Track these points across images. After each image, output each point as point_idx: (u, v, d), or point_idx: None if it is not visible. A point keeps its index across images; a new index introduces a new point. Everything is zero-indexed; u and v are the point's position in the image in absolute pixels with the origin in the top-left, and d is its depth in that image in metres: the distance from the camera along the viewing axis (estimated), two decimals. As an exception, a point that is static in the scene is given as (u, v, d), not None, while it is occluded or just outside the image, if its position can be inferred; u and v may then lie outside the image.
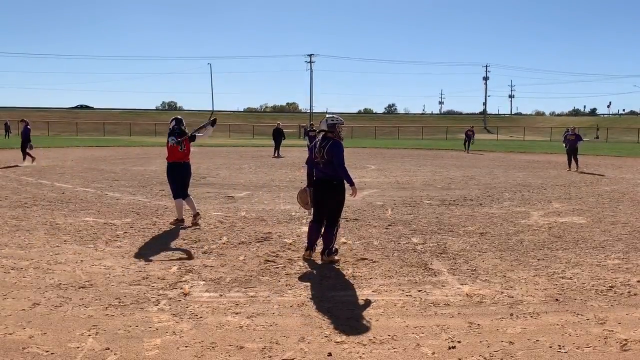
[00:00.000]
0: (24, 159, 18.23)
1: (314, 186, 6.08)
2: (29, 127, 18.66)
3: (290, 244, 6.88)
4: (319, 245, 6.17)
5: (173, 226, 7.96)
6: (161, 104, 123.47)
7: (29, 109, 78.33)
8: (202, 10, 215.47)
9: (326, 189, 5.98)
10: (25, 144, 18.19)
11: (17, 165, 17.59)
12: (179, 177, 8.14)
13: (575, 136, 18.99)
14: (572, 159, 18.73)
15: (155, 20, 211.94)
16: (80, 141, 40.23)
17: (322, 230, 6.12)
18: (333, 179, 5.96)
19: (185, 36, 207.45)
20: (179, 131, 8.09)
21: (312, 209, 6.23)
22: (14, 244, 6.67)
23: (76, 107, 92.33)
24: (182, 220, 8.16)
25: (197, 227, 7.89)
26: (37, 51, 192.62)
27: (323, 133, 6.08)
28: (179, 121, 8.23)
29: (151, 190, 11.96)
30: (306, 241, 6.28)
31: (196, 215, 8.15)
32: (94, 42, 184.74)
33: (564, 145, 19.70)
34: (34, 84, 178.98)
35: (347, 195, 6.13)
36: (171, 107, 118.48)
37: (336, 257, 6.06)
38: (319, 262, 6.00)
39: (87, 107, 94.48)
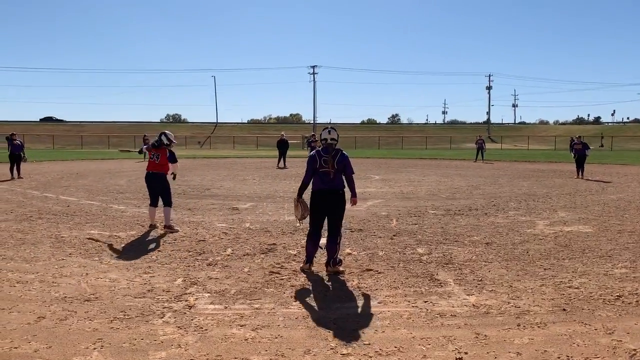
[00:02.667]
0: (19, 173, 18.25)
1: (318, 198, 6.04)
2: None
3: (295, 255, 6.86)
4: (317, 257, 6.16)
5: (149, 229, 8.64)
6: (166, 117, 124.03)
7: (32, 123, 78.84)
8: (205, 23, 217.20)
9: (335, 200, 5.99)
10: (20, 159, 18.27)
11: (20, 177, 17.67)
12: (152, 186, 8.77)
13: (581, 145, 19.15)
14: (580, 167, 18.91)
15: (160, 33, 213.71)
16: (85, 154, 40.41)
17: (325, 241, 6.11)
18: (340, 189, 6.00)
19: (189, 49, 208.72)
20: (158, 144, 8.75)
21: (308, 219, 6.23)
22: (19, 257, 6.68)
23: (44, 120, 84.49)
24: (155, 226, 8.77)
25: (170, 232, 8.36)
26: (40, 65, 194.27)
27: (324, 142, 6.07)
28: (162, 136, 8.85)
29: (156, 203, 11.97)
30: (305, 254, 6.26)
31: (167, 226, 8.56)
32: (99, 56, 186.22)
33: (572, 154, 19.82)
34: (38, 97, 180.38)
35: (348, 206, 6.16)
36: (176, 119, 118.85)
37: (341, 268, 6.05)
38: (324, 273, 5.98)
39: (55, 119, 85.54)
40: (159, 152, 8.73)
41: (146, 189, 9.00)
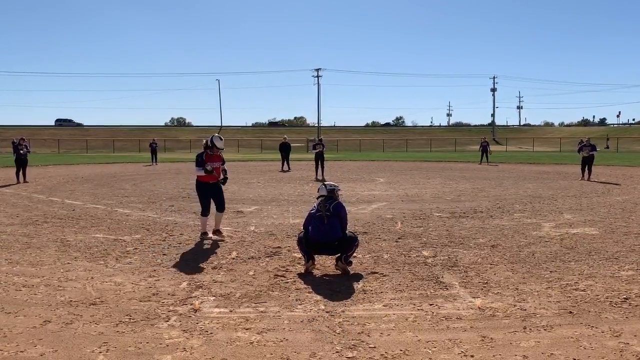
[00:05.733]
0: (25, 177, 18.39)
1: (310, 244, 6.09)
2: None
3: (300, 258, 6.84)
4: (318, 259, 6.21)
5: (201, 238, 8.26)
6: (170, 120, 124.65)
7: (39, 127, 79.20)
8: (209, 26, 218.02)
9: (330, 249, 6.08)
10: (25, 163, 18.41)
11: (26, 182, 17.77)
12: (208, 196, 8.37)
13: (590, 146, 19.27)
14: (586, 169, 18.98)
15: (164, 37, 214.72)
16: (90, 158, 40.56)
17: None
18: (334, 239, 6.04)
19: (194, 53, 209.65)
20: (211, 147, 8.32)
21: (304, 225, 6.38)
22: (25, 261, 6.71)
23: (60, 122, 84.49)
24: (206, 234, 8.44)
25: (221, 240, 8.10)
26: (46, 70, 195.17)
27: (323, 198, 6.26)
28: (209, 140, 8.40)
29: (161, 206, 12.00)
30: (302, 255, 6.28)
31: (217, 231, 8.41)
32: (103, 60, 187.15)
33: (580, 154, 19.86)
34: (43, 102, 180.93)
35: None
36: (180, 123, 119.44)
37: (349, 268, 6.08)
38: (329, 276, 5.97)
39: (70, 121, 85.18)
40: (213, 160, 8.29)
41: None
